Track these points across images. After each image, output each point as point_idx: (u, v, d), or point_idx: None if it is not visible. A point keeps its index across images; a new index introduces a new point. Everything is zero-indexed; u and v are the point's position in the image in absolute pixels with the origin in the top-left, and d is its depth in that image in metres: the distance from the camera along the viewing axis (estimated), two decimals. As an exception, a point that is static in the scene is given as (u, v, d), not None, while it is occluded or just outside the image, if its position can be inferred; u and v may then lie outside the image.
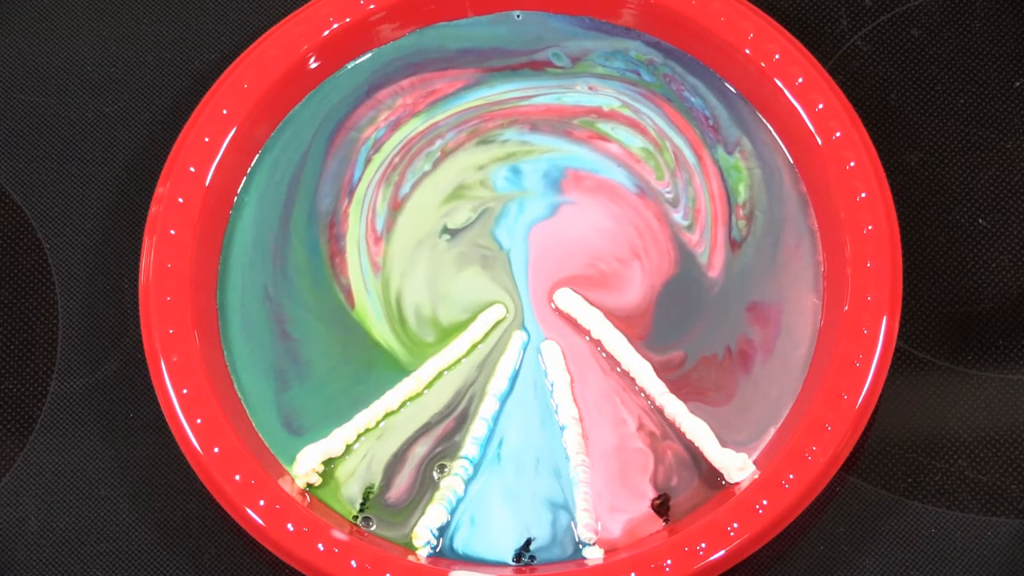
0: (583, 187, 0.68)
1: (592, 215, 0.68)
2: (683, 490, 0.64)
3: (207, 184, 0.66)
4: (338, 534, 0.62)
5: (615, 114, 0.69)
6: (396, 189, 0.68)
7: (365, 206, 0.68)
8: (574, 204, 0.68)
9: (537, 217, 0.68)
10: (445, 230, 0.68)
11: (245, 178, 0.68)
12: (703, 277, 0.66)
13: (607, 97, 0.69)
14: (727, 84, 0.69)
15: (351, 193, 0.68)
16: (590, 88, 0.69)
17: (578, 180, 0.68)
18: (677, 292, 0.66)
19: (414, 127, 0.69)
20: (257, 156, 0.68)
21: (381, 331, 0.66)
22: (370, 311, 0.67)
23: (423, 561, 0.63)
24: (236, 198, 0.68)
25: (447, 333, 0.66)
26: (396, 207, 0.68)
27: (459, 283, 0.67)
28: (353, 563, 0.62)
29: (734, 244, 0.67)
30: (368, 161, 0.69)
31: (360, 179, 0.68)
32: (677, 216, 0.67)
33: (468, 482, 0.64)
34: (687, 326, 0.66)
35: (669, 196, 0.68)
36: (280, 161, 0.68)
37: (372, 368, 0.66)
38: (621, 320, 0.66)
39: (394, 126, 0.69)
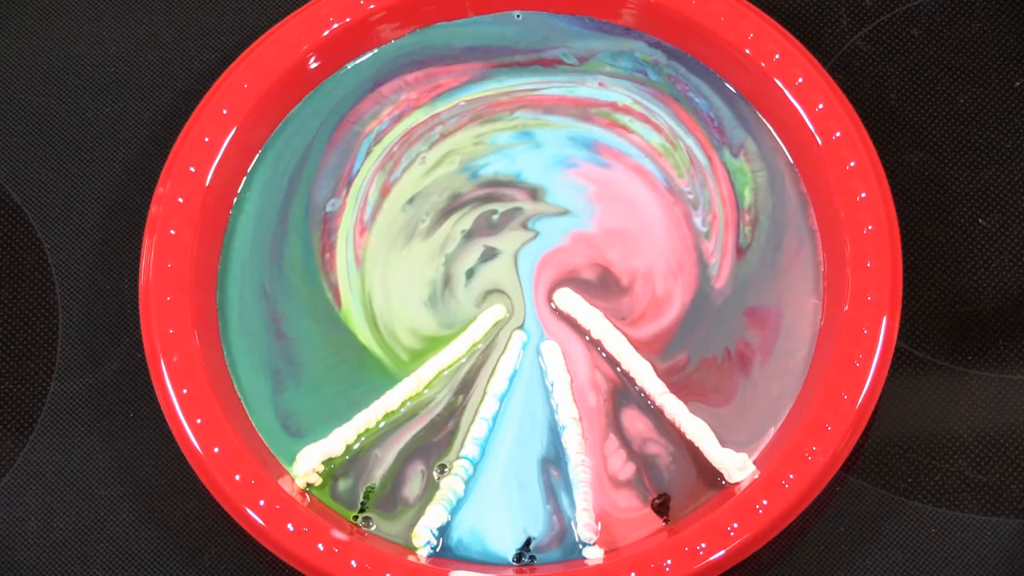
0: (623, 163, 0.67)
1: (632, 197, 0.67)
2: (683, 490, 0.64)
3: (207, 184, 0.66)
4: (338, 534, 0.62)
5: (630, 109, 0.68)
6: (389, 175, 0.68)
7: (359, 197, 0.68)
8: (612, 169, 0.67)
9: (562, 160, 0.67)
10: (411, 201, 0.67)
11: (245, 178, 0.68)
12: (712, 290, 0.66)
13: (619, 94, 0.69)
14: (728, 85, 0.69)
15: (349, 184, 0.68)
16: (600, 84, 0.69)
17: (613, 155, 0.67)
18: (692, 306, 0.66)
19: (417, 118, 0.69)
20: (259, 153, 0.68)
21: (364, 334, 0.66)
22: (353, 312, 0.66)
23: (423, 561, 0.63)
24: (236, 197, 0.68)
25: (416, 355, 0.66)
26: (385, 192, 0.68)
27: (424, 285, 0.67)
28: (353, 563, 0.62)
29: (740, 251, 0.67)
30: (368, 153, 0.68)
31: (359, 171, 0.68)
32: (697, 221, 0.67)
33: (468, 482, 0.64)
34: (689, 331, 0.66)
35: (691, 197, 0.67)
36: (284, 154, 0.68)
37: (364, 371, 0.65)
38: (645, 344, 0.66)
39: (397, 119, 0.69)
